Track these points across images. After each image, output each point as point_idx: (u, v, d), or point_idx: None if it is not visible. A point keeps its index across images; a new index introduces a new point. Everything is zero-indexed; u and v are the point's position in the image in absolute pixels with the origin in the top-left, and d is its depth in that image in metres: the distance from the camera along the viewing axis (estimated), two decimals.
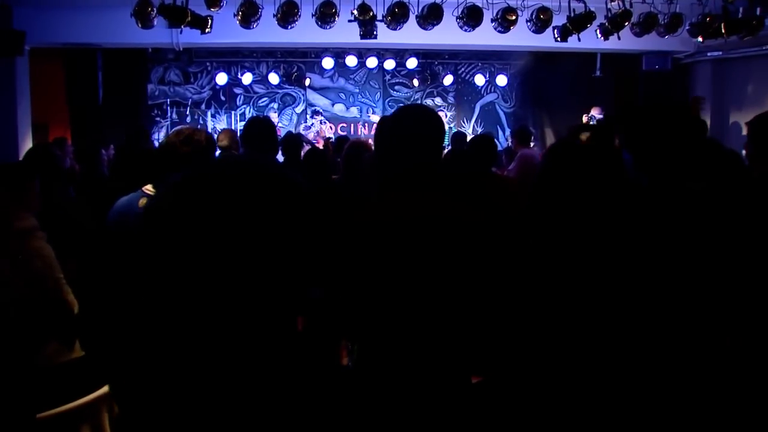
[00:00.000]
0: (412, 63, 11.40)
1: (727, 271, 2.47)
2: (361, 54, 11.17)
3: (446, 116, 11.40)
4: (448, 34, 7.61)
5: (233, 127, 11.09)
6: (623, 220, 2.21)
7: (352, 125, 11.83)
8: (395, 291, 2.30)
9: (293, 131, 11.45)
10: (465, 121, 12.27)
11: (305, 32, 7.45)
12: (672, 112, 2.45)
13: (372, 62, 11.29)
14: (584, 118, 9.94)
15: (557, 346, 2.32)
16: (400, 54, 11.32)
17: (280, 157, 6.22)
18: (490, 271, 2.29)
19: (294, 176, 4.15)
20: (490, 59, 11.98)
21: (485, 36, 7.67)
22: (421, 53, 11.43)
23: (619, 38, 7.49)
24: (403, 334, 2.33)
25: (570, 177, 2.33)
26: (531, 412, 2.44)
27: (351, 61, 11.19)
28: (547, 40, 7.88)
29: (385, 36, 7.63)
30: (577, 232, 2.24)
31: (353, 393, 2.51)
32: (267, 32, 7.65)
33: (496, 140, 11.30)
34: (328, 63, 11.20)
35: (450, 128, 10.94)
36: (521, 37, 7.91)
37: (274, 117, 10.91)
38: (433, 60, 11.88)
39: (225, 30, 7.55)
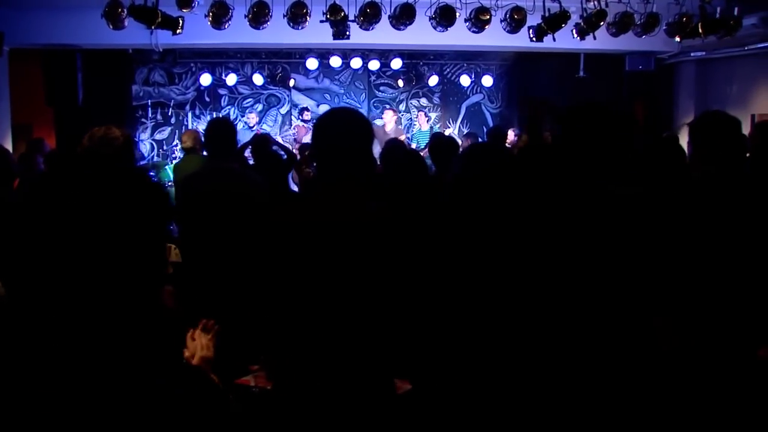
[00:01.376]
0: (396, 64, 11.38)
1: (646, 271, 2.46)
2: (346, 55, 11.15)
3: (429, 118, 11.38)
4: (432, 35, 7.56)
5: None
6: (533, 223, 2.19)
7: None
8: (306, 294, 2.28)
9: (286, 131, 11.50)
10: (451, 121, 12.25)
11: (289, 33, 7.42)
12: (601, 115, 2.42)
13: (356, 63, 11.27)
14: None
15: (475, 347, 2.29)
16: (384, 55, 11.30)
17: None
18: (403, 272, 2.27)
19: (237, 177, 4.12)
20: (475, 60, 11.96)
21: (470, 36, 7.62)
22: (406, 54, 11.40)
23: (594, 38, 7.47)
24: (318, 338, 2.31)
25: (483, 179, 2.30)
26: (459, 417, 2.41)
27: (335, 61, 11.17)
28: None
29: (369, 37, 7.61)
30: (490, 234, 2.22)
31: (275, 401, 2.50)
32: (247, 33, 7.61)
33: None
34: (312, 64, 11.19)
35: (431, 128, 10.92)
36: (506, 38, 7.86)
37: (253, 118, 10.88)
38: (418, 60, 11.86)
39: (207, 30, 7.51)
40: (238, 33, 7.68)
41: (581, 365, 2.33)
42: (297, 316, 2.33)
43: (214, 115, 11.31)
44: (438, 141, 5.17)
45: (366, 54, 11.20)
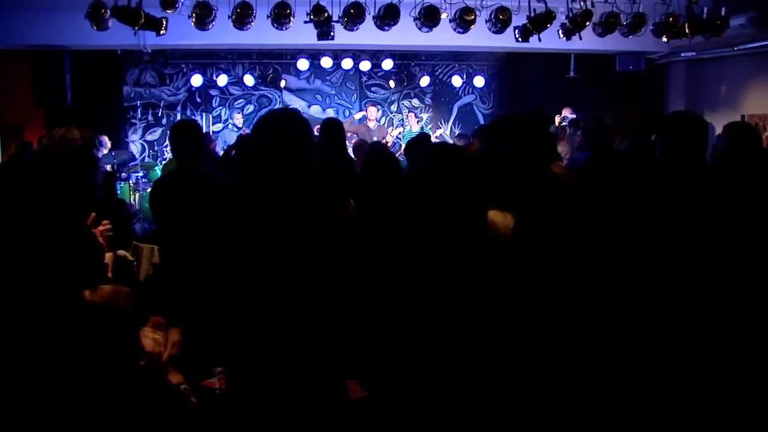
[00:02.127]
0: (387, 64, 11.34)
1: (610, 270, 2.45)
2: (337, 55, 11.14)
3: (420, 119, 11.38)
4: (423, 35, 7.54)
5: (206, 130, 11.07)
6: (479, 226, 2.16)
7: None
8: (248, 295, 2.27)
9: None
10: (443, 122, 12.23)
11: (279, 34, 7.41)
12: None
13: (347, 63, 11.24)
14: (557, 119, 9.87)
15: (419, 352, 2.26)
16: (375, 55, 11.27)
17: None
18: (344, 275, 2.25)
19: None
20: (467, 60, 11.94)
21: (462, 37, 7.61)
22: (397, 54, 11.37)
23: (580, 38, 7.46)
24: (264, 340, 2.29)
25: (431, 182, 2.27)
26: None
27: (326, 62, 11.15)
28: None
29: (359, 37, 7.59)
30: (436, 236, 2.19)
31: (225, 409, 2.49)
32: (237, 34, 7.59)
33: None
34: (303, 65, 11.15)
35: (422, 129, 10.91)
36: (498, 38, 7.84)
37: (239, 119, 10.89)
38: (409, 61, 11.84)
39: (195, 31, 7.49)
40: (227, 34, 7.65)
41: (543, 367, 2.31)
42: (242, 317, 2.32)
43: (204, 116, 11.33)
44: (412, 141, 5.18)
45: (357, 55, 11.17)
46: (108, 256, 3.13)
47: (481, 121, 12.18)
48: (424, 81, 11.86)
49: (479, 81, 11.88)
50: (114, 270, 4.93)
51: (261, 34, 7.62)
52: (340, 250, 2.19)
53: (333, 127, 5.08)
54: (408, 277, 2.21)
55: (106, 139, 9.99)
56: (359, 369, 2.48)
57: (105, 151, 9.65)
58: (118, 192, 8.74)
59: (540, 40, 7.30)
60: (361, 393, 2.76)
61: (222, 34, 7.61)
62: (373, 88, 12.14)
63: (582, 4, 7.21)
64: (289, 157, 2.25)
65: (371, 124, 10.32)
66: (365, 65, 11.38)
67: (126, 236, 6.22)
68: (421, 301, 2.15)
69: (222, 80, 11.36)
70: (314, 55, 11.03)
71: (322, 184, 4.50)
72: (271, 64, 11.56)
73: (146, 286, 5.56)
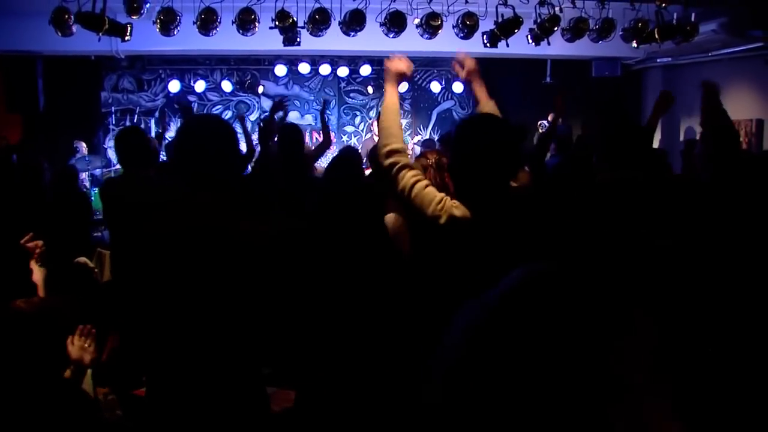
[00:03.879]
0: (365, 70, 11.33)
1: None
2: (315, 61, 11.12)
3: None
4: (401, 41, 7.50)
5: None
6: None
7: (306, 132, 11.73)
8: (162, 302, 2.24)
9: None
10: (422, 128, 12.20)
11: (254, 39, 7.38)
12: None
13: (325, 69, 11.23)
14: (539, 126, 9.86)
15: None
16: (354, 61, 11.25)
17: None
18: (258, 281, 2.22)
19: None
20: (446, 66, 11.91)
21: (436, 42, 7.58)
22: (376, 60, 11.34)
23: (549, 43, 7.45)
24: (177, 346, 2.27)
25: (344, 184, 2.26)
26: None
27: (304, 68, 11.14)
28: (501, 47, 7.72)
29: (338, 43, 7.55)
30: (336, 243, 2.17)
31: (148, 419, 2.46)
32: (209, 40, 7.56)
33: None
34: (281, 70, 11.14)
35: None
36: (474, 44, 7.80)
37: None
38: None
39: (168, 37, 7.45)
40: (199, 40, 7.57)
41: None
42: (157, 324, 2.29)
43: (180, 123, 11.27)
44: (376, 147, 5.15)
45: (335, 60, 11.15)
46: (40, 271, 3.11)
47: None
48: (403, 87, 11.69)
49: (458, 87, 11.83)
50: (71, 278, 4.88)
51: (234, 39, 7.57)
52: (249, 255, 2.16)
53: (290, 132, 5.07)
54: (311, 280, 2.19)
55: (83, 144, 9.99)
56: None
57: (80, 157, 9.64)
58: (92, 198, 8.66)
59: (508, 45, 7.28)
60: (284, 404, 2.74)
61: (194, 39, 7.55)
62: (351, 94, 12.11)
63: (550, 9, 7.20)
64: (208, 161, 2.23)
65: (376, 138, 10.37)
66: (343, 71, 11.36)
67: (84, 234, 6.18)
68: (321, 305, 2.13)
69: (200, 86, 11.34)
70: (292, 61, 11.02)
71: (273, 187, 4.48)
72: (249, 69, 11.54)
73: (102, 292, 5.53)
